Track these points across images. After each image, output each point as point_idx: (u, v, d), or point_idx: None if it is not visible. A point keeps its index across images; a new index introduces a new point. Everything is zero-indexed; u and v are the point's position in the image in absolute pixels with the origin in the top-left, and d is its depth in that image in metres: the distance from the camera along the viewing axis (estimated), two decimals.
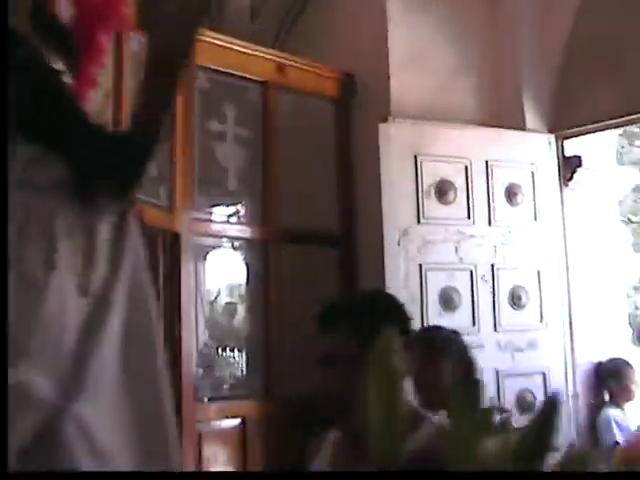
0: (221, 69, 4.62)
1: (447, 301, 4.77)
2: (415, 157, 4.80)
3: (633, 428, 5.45)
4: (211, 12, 5.43)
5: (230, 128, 4.71)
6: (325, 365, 2.18)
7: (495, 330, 4.89)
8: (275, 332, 4.54)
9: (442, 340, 3.60)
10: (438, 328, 3.88)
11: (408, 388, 2.10)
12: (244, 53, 4.71)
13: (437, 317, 4.71)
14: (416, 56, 5.09)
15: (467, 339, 4.71)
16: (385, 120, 4.79)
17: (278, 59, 4.89)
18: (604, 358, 5.42)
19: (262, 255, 4.75)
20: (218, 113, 4.67)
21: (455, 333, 3.79)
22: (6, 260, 2.56)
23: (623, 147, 17.63)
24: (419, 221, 4.75)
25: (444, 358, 3.50)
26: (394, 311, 2.20)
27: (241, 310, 5.23)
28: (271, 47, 5.05)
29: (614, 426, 5.19)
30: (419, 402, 3.29)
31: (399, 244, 4.65)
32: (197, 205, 4.45)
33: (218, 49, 4.57)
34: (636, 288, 27.65)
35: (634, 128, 19.41)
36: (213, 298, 5.55)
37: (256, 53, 4.77)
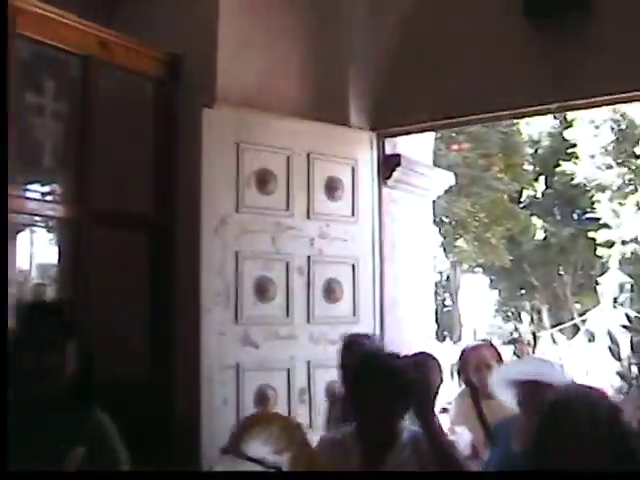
0: (42, 40, 4.42)
1: (262, 291, 4.76)
2: (237, 145, 4.76)
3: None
4: None
5: (49, 102, 4.53)
6: None
7: (308, 322, 4.93)
8: (85, 315, 4.39)
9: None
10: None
11: None
12: (67, 25, 4.52)
13: (251, 307, 4.71)
14: (245, 43, 5.05)
15: (281, 330, 4.79)
16: (209, 106, 4.72)
17: (102, 34, 4.72)
18: (410, 352, 5.56)
19: (75, 236, 4.59)
20: (37, 86, 4.47)
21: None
22: (6, 262, 2.42)
23: (440, 150, 18.33)
24: (238, 210, 4.72)
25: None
26: None
27: (51, 292, 5.04)
28: (96, 21, 4.87)
29: None
30: None
31: (216, 232, 4.60)
32: (10, 181, 4.24)
33: (40, 18, 4.36)
34: (444, 286, 28.78)
35: (451, 132, 20.19)
36: (22, 279, 5.33)
37: (79, 26, 4.59)
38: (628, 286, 15.98)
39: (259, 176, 4.84)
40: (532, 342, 13.60)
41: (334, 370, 4.96)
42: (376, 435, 3.04)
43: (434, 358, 5.93)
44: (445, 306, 30.91)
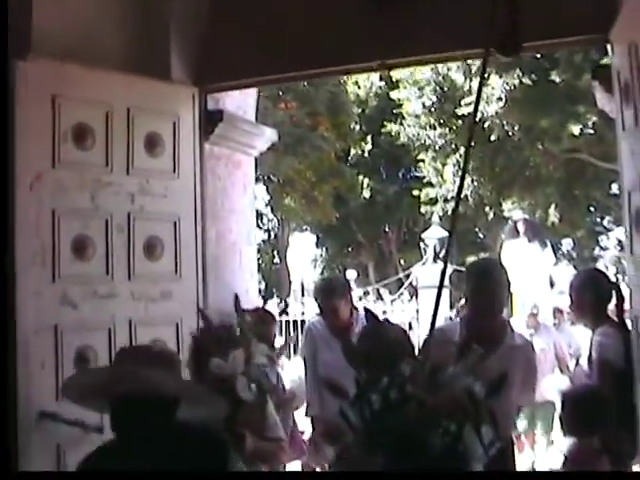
0: None
1: (80, 249, 4.63)
2: (53, 98, 4.58)
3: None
4: None
5: None
6: None
7: (129, 280, 4.85)
8: None
9: None
10: None
11: None
12: None
13: (69, 265, 4.58)
14: None
15: (100, 288, 4.69)
16: (24, 57, 4.51)
17: None
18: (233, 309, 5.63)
19: None
20: None
21: None
22: (6, 259, 2.20)
23: (266, 109, 18.34)
24: (54, 166, 4.56)
25: None
26: None
27: None
28: None
29: None
30: None
31: (31, 189, 4.44)
32: None
33: None
34: (272, 244, 28.95)
35: (278, 90, 20.20)
36: None
37: None
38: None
39: (76, 131, 4.68)
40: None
41: (155, 329, 4.94)
42: None
43: (270, 313, 6.11)
44: (274, 264, 31.21)
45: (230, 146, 5.71)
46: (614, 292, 5.07)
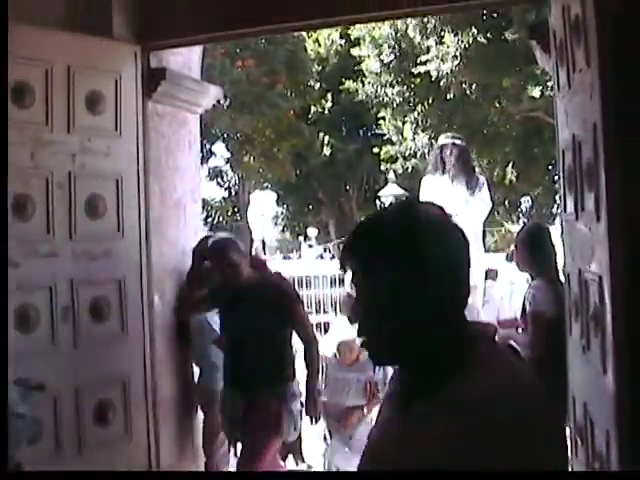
0: None
1: (20, 208, 4.60)
2: None
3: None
4: None
5: None
6: None
7: (70, 239, 4.84)
8: None
9: None
10: None
11: None
12: None
13: (9, 224, 4.55)
14: None
15: (41, 247, 4.68)
16: None
17: None
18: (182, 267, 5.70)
19: None
20: None
21: None
22: (6, 260, 2.15)
23: (224, 67, 18.20)
24: None
25: None
26: None
27: None
28: None
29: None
30: None
31: None
32: None
33: None
34: (232, 202, 28.83)
35: (236, 48, 19.92)
36: None
37: None
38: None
39: (16, 89, 4.62)
40: None
41: (98, 287, 4.96)
42: None
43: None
44: (235, 222, 31.20)
45: (174, 104, 5.70)
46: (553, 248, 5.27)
